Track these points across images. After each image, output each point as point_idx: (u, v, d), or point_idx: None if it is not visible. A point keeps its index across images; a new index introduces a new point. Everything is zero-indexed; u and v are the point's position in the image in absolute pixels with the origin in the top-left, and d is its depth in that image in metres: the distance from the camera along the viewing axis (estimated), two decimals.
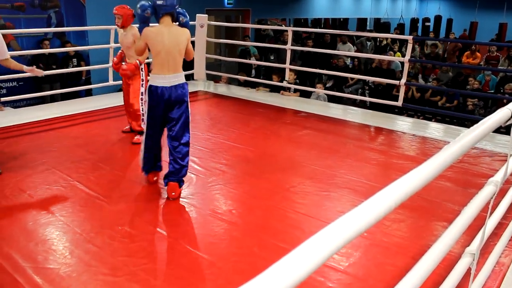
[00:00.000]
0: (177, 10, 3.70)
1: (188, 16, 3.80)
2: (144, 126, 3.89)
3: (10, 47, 8.56)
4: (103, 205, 3.60)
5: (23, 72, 4.60)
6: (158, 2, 3.54)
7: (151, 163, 3.96)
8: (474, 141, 1.68)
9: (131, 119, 5.21)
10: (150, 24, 3.75)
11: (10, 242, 3.00)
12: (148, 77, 3.91)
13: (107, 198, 3.70)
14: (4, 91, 8.46)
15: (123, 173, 4.30)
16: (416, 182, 1.21)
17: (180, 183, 3.75)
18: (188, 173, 3.85)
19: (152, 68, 3.71)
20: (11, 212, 3.46)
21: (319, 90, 7.76)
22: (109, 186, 3.96)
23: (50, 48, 8.56)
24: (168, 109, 3.65)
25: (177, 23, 3.74)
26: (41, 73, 4.63)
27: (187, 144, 3.76)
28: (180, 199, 3.73)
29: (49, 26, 9.08)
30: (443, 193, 3.92)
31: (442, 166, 1.34)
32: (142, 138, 3.92)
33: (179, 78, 3.70)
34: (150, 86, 3.63)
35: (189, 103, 3.78)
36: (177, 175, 3.70)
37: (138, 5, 3.71)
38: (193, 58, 4.29)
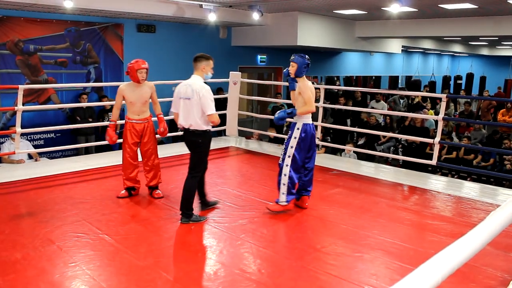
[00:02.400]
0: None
1: None
2: (290, 161, 4.48)
3: (51, 101, 8.94)
4: (131, 259, 3.55)
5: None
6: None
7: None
8: None
9: (152, 174, 5.12)
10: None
11: None
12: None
13: (135, 253, 3.66)
14: (41, 142, 8.72)
15: (153, 228, 4.27)
16: (466, 251, 1.13)
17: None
18: (217, 229, 3.79)
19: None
20: (39, 263, 3.44)
21: (350, 148, 7.70)
22: (137, 241, 3.93)
23: (88, 102, 8.87)
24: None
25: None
26: None
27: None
28: (208, 256, 3.65)
29: (88, 81, 9.45)
30: (483, 257, 3.70)
31: (493, 234, 1.25)
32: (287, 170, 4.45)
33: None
34: (306, 125, 4.48)
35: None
36: None
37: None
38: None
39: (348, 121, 10.88)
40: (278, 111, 4.65)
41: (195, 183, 4.44)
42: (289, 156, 4.53)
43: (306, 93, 4.49)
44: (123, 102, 5.09)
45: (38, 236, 3.90)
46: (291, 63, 4.58)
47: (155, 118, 5.28)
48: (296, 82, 4.60)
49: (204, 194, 4.74)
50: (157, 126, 5.24)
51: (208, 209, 4.74)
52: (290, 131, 4.60)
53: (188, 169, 4.45)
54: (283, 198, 4.57)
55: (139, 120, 5.03)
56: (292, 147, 4.52)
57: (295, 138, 4.52)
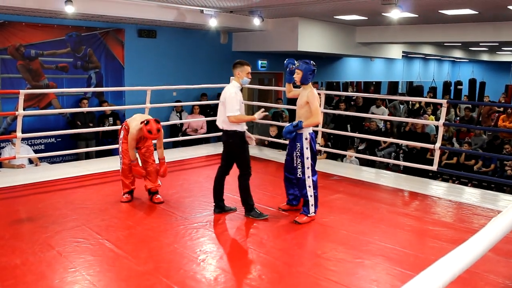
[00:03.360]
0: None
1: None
2: (310, 172, 4.51)
3: (51, 105, 8.95)
4: (131, 265, 3.54)
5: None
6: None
7: None
8: None
9: (151, 177, 5.15)
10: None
11: None
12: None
13: (135, 258, 3.65)
14: (42, 147, 8.72)
15: (153, 233, 4.26)
16: (467, 258, 1.12)
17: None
18: (217, 234, 3.77)
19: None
20: (38, 269, 3.43)
21: (351, 153, 7.70)
22: (137, 246, 3.92)
23: (89, 107, 8.88)
24: None
25: None
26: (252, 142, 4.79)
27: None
28: (209, 261, 3.64)
29: (89, 86, 9.46)
30: (484, 264, 3.69)
31: (494, 240, 1.25)
32: (309, 183, 4.50)
33: None
34: (311, 133, 4.52)
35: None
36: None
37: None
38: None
39: (349, 126, 10.89)
40: (286, 126, 4.58)
41: (245, 180, 4.65)
42: (308, 168, 4.54)
43: (314, 104, 4.48)
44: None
45: (38, 242, 3.90)
46: (296, 70, 4.58)
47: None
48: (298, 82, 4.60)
49: (221, 198, 4.80)
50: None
51: (222, 213, 4.76)
52: (297, 143, 4.56)
53: (238, 170, 4.72)
54: (312, 209, 4.58)
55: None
56: (308, 158, 4.54)
57: (307, 148, 4.53)
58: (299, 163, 4.55)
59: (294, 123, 4.52)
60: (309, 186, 4.55)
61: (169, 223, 4.49)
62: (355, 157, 7.82)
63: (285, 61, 4.86)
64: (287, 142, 4.84)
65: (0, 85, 8.26)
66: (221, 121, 4.64)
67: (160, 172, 5.14)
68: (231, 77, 7.90)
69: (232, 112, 4.48)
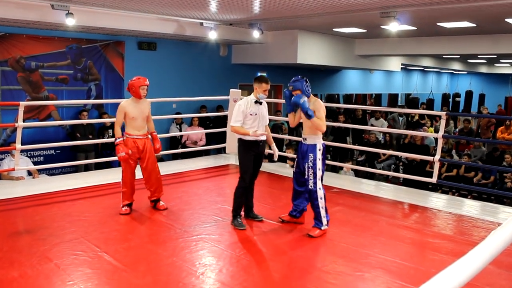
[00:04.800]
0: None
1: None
2: (321, 183, 4.53)
3: (51, 117, 8.96)
4: (130, 278, 3.52)
5: None
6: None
7: None
8: None
9: (155, 188, 5.24)
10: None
11: None
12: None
13: (134, 271, 3.62)
14: (41, 158, 8.71)
15: (152, 246, 4.24)
16: (468, 271, 1.11)
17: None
18: (216, 247, 3.76)
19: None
20: (36, 282, 3.41)
21: (348, 166, 7.71)
22: (136, 259, 3.90)
23: (88, 118, 8.89)
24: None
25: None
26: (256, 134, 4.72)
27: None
28: (208, 274, 3.62)
29: (89, 98, 9.48)
30: (485, 277, 3.67)
31: (495, 253, 1.24)
32: (320, 195, 4.53)
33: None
34: (323, 144, 4.60)
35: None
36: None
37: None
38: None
39: (348, 138, 10.89)
40: (296, 96, 4.53)
41: (238, 188, 4.77)
42: (319, 179, 4.54)
43: (320, 112, 4.51)
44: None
45: (36, 254, 3.87)
46: (294, 92, 4.57)
47: None
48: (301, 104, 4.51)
49: (249, 207, 4.96)
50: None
51: (250, 219, 4.92)
52: (310, 154, 4.55)
53: None
54: (324, 221, 4.56)
55: (139, 136, 5.11)
56: (319, 169, 4.54)
57: (319, 159, 4.53)
58: (311, 174, 4.55)
59: (306, 105, 4.43)
60: (321, 198, 4.54)
61: (168, 235, 4.47)
62: (352, 170, 7.81)
63: (284, 90, 4.88)
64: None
65: (0, 96, 8.28)
66: None
67: (155, 145, 5.29)
68: (231, 89, 7.97)
69: (232, 122, 4.71)
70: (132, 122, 5.07)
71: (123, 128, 5.10)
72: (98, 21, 8.12)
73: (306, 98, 4.47)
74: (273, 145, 5.03)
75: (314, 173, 4.54)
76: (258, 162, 4.85)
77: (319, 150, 4.56)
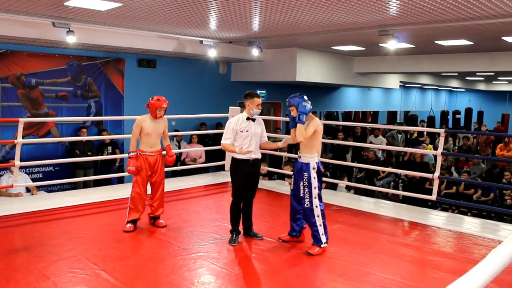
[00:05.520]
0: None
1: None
2: (318, 201, 4.52)
3: (50, 134, 8.97)
4: None
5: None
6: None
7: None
8: None
9: (158, 204, 5.27)
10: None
11: None
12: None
13: None
14: (40, 175, 8.70)
15: (150, 264, 4.21)
16: None
17: None
18: (215, 265, 3.73)
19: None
20: None
21: (344, 183, 7.73)
22: (134, 277, 3.86)
23: (88, 135, 8.90)
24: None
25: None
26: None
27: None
28: None
29: (89, 115, 9.50)
30: None
31: (496, 271, 1.23)
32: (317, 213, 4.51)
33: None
34: (318, 163, 4.56)
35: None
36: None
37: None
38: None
39: (347, 155, 10.89)
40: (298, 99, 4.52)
41: (231, 207, 4.84)
42: (315, 197, 4.53)
43: (309, 129, 4.51)
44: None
45: (33, 272, 3.84)
46: (290, 108, 4.58)
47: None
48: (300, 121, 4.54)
49: (247, 225, 4.96)
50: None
51: (250, 238, 4.89)
52: (304, 173, 4.55)
53: None
54: (324, 239, 4.54)
55: (152, 153, 5.17)
56: (315, 187, 4.54)
57: (314, 178, 4.53)
58: (306, 193, 4.54)
59: (302, 116, 4.46)
60: (318, 216, 4.53)
61: (166, 253, 4.44)
62: (345, 186, 7.83)
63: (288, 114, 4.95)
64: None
65: (0, 113, 8.30)
66: None
67: (168, 155, 5.35)
68: (230, 107, 7.99)
69: (222, 140, 4.75)
70: (147, 138, 5.14)
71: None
72: (98, 38, 8.18)
73: (304, 116, 4.47)
74: (284, 140, 5.07)
75: (310, 192, 4.53)
76: (252, 181, 4.81)
77: (313, 168, 4.55)
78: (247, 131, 4.67)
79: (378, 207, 6.70)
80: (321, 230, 4.52)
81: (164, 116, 5.31)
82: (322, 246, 4.52)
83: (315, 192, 4.52)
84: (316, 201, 4.53)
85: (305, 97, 4.55)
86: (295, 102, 4.52)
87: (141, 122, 5.14)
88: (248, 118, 4.73)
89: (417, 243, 5.08)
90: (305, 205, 4.56)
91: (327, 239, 4.57)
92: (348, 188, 8.41)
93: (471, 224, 5.93)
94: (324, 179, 7.57)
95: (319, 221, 4.52)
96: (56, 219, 5.44)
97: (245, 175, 4.73)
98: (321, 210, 4.56)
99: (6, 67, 8.30)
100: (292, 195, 4.78)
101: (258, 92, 13.03)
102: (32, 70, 8.63)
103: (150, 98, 5.18)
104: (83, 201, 6.25)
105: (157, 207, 5.28)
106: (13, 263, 4.07)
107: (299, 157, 4.65)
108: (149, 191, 5.29)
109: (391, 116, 19.64)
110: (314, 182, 4.53)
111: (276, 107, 14.04)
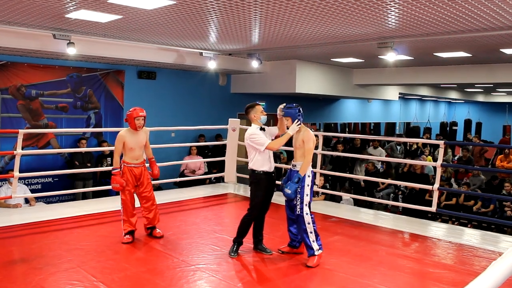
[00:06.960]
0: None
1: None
2: (307, 209, 4.49)
3: (50, 145, 8.97)
4: None
5: None
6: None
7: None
8: None
9: (153, 215, 5.24)
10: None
11: None
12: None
13: None
14: (39, 186, 8.68)
15: (149, 275, 4.18)
16: None
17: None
18: (214, 277, 3.70)
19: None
20: None
21: (347, 195, 7.71)
22: None
23: (87, 147, 8.90)
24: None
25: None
26: None
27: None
28: None
29: (88, 126, 9.52)
30: None
31: (497, 284, 1.22)
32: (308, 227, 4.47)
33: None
34: (311, 171, 4.55)
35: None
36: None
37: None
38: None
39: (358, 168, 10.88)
40: (288, 184, 4.58)
41: (246, 220, 4.74)
42: (306, 205, 4.54)
43: (309, 144, 4.57)
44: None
45: (31, 284, 3.81)
46: (284, 118, 4.69)
47: None
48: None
49: (258, 239, 4.89)
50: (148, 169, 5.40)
51: (259, 252, 4.82)
52: (299, 182, 4.58)
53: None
54: (316, 246, 4.52)
55: (137, 164, 5.16)
56: (307, 195, 4.55)
57: (308, 185, 4.54)
58: (298, 199, 4.55)
59: (295, 179, 4.52)
60: (308, 223, 4.52)
61: (165, 265, 4.41)
62: (350, 198, 7.80)
63: (282, 107, 4.94)
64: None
65: (0, 124, 8.31)
66: (249, 161, 4.78)
67: (154, 171, 5.38)
68: (229, 119, 8.01)
69: (263, 145, 4.62)
70: (130, 152, 5.13)
71: (121, 156, 5.13)
72: (98, 50, 8.22)
73: (293, 185, 4.52)
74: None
75: (301, 198, 4.54)
76: (271, 194, 4.84)
77: (308, 176, 4.57)
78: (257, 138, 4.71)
79: (377, 218, 6.68)
80: (311, 237, 4.51)
81: (146, 127, 5.28)
82: (316, 254, 4.50)
83: (306, 199, 4.53)
84: (306, 209, 4.54)
85: (300, 110, 4.70)
86: (291, 114, 4.68)
87: (123, 137, 5.10)
88: (261, 128, 4.80)
89: (417, 255, 5.06)
90: (297, 212, 4.57)
91: (320, 245, 4.55)
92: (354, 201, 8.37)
93: (471, 236, 5.91)
94: (324, 191, 7.58)
95: (310, 228, 4.52)
96: (54, 230, 5.42)
97: (267, 189, 4.74)
98: (311, 218, 4.56)
99: (6, 78, 8.33)
100: (286, 205, 4.79)
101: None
102: (32, 82, 8.66)
103: (128, 111, 5.15)
104: (82, 212, 6.24)
105: (153, 218, 5.25)
106: (11, 274, 4.04)
107: (294, 165, 4.68)
108: (137, 204, 5.25)
109: (390, 128, 19.67)
110: (307, 189, 4.55)
111: (275, 119, 14.03)
